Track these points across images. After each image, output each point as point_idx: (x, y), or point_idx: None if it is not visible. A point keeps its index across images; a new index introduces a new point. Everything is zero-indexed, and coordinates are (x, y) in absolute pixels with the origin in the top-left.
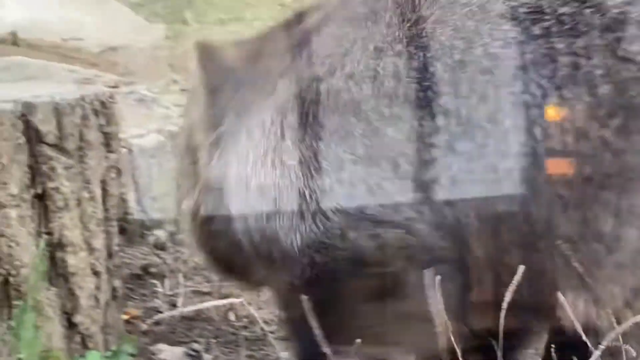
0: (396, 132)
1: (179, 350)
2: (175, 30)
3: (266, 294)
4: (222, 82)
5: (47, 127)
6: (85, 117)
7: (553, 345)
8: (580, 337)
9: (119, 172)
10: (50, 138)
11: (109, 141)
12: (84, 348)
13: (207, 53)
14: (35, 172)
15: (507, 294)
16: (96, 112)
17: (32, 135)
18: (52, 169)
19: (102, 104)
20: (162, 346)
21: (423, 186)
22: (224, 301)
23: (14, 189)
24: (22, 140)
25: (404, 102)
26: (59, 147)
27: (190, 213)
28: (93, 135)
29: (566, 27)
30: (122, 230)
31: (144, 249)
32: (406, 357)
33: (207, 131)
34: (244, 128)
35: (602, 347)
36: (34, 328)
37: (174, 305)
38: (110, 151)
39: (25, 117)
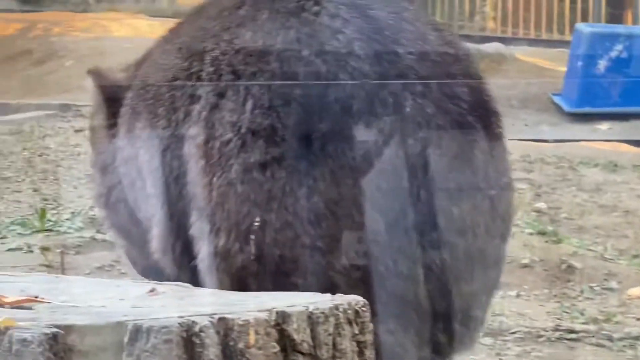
0: None
1: None
2: None
3: None
4: None
5: (301, 336)
6: (339, 326)
7: None
8: None
9: None
10: (305, 347)
11: (362, 350)
12: None
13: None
14: None
15: None
16: (349, 321)
17: (287, 344)
18: None
19: (356, 312)
20: None
21: None
22: None
23: None
24: (277, 349)
25: None
26: (312, 356)
27: None
28: (347, 344)
29: None
30: None
31: None
32: None
33: None
34: None
35: None
36: None
37: None
38: None
39: (279, 326)
